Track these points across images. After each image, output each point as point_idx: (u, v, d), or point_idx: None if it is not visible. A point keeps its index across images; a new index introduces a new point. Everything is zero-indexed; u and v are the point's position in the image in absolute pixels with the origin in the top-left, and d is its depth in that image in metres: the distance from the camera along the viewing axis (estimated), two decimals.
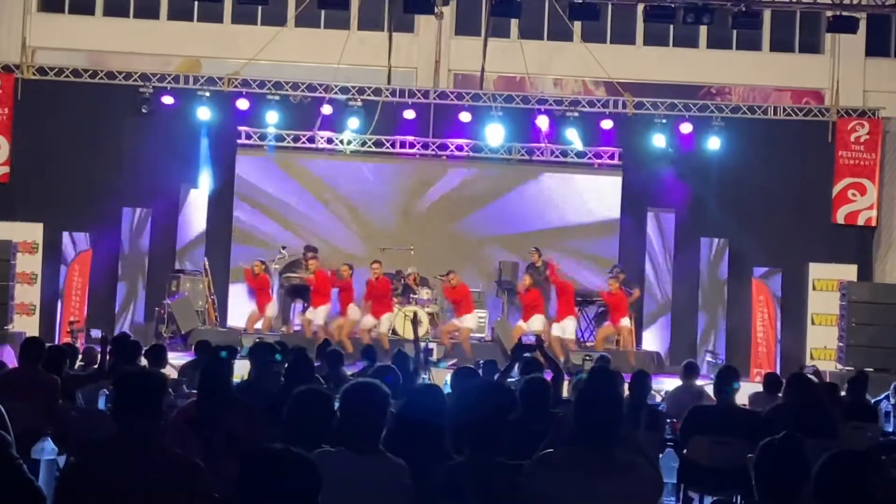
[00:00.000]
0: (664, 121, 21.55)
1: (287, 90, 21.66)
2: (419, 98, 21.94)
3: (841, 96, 22.40)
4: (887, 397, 12.24)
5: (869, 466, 3.72)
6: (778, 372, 19.54)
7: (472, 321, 19.90)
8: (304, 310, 20.22)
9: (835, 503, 3.76)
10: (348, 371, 11.80)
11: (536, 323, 19.36)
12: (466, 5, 22.28)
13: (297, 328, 20.30)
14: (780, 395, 11.65)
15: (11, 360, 15.15)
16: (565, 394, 9.89)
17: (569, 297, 19.78)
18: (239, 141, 21.98)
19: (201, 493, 4.79)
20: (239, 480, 3.77)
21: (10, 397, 8.07)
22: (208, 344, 13.09)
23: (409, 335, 19.57)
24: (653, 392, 12.10)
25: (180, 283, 20.71)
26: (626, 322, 20.00)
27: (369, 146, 22.09)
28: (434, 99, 22.00)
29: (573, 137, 21.59)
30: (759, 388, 12.23)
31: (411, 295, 20.34)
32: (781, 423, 7.67)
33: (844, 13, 18.57)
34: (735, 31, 21.56)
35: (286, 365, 8.74)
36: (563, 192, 22.22)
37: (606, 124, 21.66)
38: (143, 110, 21.29)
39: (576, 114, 21.61)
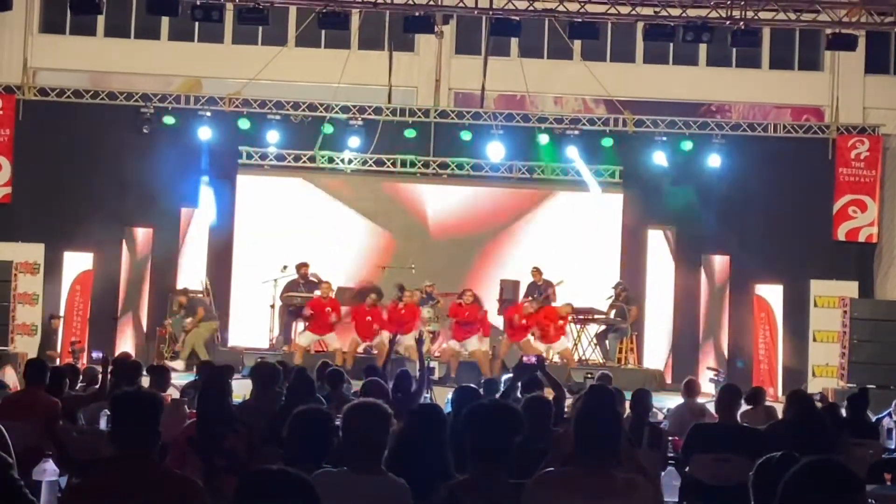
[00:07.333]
0: (664, 138, 21.55)
1: (288, 109, 21.69)
2: (420, 117, 21.96)
3: (841, 113, 22.43)
4: (889, 414, 12.21)
5: (854, 484, 3.54)
6: (780, 389, 19.63)
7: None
8: (305, 330, 20.16)
9: None
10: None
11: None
12: (466, 24, 22.30)
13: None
14: (764, 406, 11.78)
15: (12, 381, 15.19)
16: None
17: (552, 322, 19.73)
18: (240, 160, 22.01)
19: None
20: (235, 502, 3.76)
21: (10, 418, 8.08)
22: (210, 364, 13.10)
23: (414, 354, 19.60)
24: (654, 410, 12.09)
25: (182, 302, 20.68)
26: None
27: (370, 165, 22.11)
28: (434, 118, 22.02)
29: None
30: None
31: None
32: (781, 439, 7.65)
33: (843, 31, 18.59)
34: (734, 49, 21.60)
35: (287, 385, 8.74)
36: (564, 209, 22.25)
37: (607, 142, 21.70)
38: (145, 130, 21.29)
39: (576, 132, 21.61)
